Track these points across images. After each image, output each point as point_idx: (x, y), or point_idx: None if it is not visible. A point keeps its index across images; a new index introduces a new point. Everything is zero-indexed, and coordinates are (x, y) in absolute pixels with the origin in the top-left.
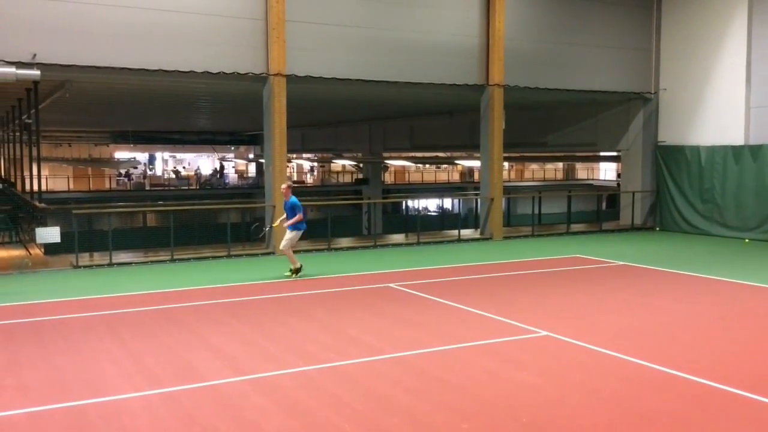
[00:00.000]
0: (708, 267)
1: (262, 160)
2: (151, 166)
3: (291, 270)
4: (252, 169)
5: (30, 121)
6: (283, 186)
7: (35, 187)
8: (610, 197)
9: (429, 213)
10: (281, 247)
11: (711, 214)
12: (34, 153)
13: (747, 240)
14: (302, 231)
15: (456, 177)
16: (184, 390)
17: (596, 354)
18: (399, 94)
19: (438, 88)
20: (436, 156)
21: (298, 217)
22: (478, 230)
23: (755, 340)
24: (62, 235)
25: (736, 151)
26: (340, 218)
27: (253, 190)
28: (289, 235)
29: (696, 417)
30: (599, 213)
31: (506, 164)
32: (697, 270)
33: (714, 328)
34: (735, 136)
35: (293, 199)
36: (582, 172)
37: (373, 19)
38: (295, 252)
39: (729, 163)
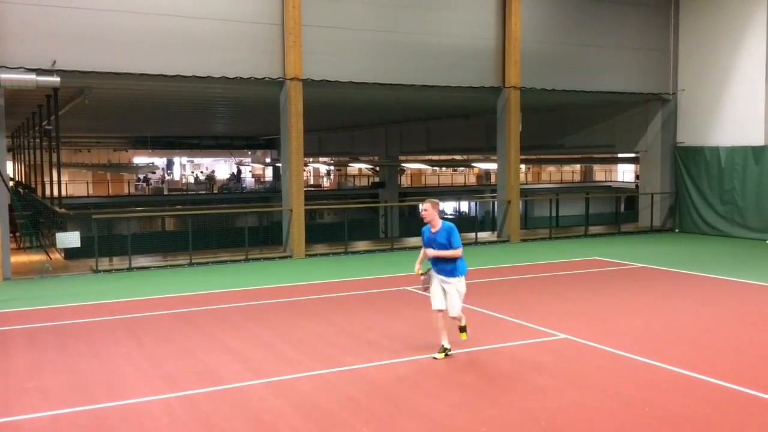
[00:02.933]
0: (728, 269)
1: (279, 164)
2: (169, 171)
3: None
4: (269, 173)
5: (50, 127)
6: (426, 205)
7: (55, 193)
8: (628, 199)
9: (446, 216)
10: (453, 313)
11: (731, 215)
12: (54, 159)
13: (767, 241)
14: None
15: (473, 180)
16: (203, 393)
17: (616, 357)
18: (415, 97)
19: (454, 91)
20: (453, 159)
21: (456, 252)
22: (496, 233)
23: None
24: (82, 239)
25: (756, 151)
26: (357, 221)
27: (270, 194)
28: (455, 290)
29: (717, 420)
30: (618, 215)
31: (523, 166)
32: (718, 272)
33: (735, 331)
34: (755, 137)
35: (446, 224)
36: (600, 173)
37: (388, 22)
38: (311, 255)
39: (749, 164)
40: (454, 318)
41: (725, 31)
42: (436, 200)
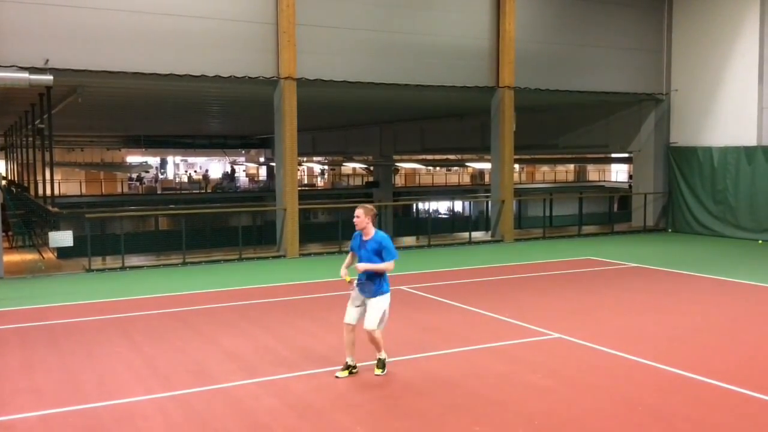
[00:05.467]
0: (721, 268)
1: (273, 164)
2: (162, 170)
3: (380, 362)
4: (263, 172)
5: (43, 126)
6: (359, 211)
7: (48, 192)
8: (621, 199)
9: (440, 215)
10: (368, 326)
11: (724, 215)
12: (47, 158)
13: (761, 241)
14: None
15: (467, 179)
16: (197, 392)
17: (609, 356)
18: (409, 97)
19: (448, 91)
20: (447, 158)
21: (388, 265)
22: (489, 233)
23: None
24: (75, 239)
25: (749, 152)
26: (351, 221)
27: (264, 193)
28: (376, 304)
29: (711, 419)
30: (611, 215)
31: (517, 166)
32: (711, 272)
33: (728, 330)
34: (748, 137)
35: (379, 233)
36: (593, 173)
37: (383, 22)
38: (305, 255)
39: (742, 164)
40: (367, 332)
41: (718, 31)
42: (371, 207)
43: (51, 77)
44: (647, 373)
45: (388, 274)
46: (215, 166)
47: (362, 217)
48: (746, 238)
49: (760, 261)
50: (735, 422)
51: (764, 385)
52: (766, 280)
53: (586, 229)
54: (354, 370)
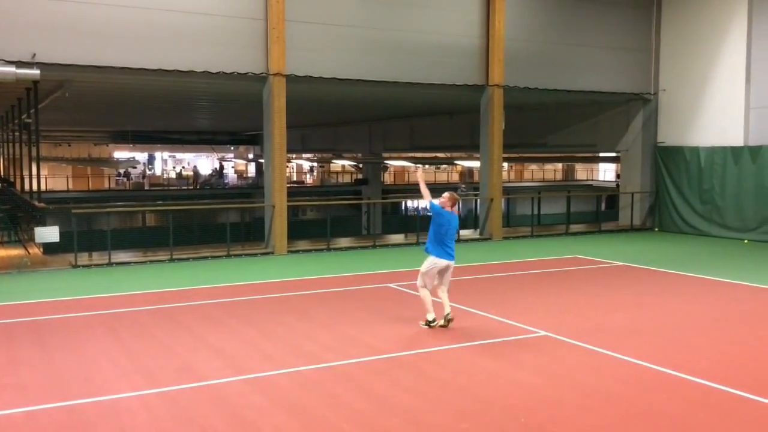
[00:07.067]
0: (707, 268)
1: (262, 160)
2: (150, 166)
3: (426, 321)
4: (252, 169)
5: (30, 120)
6: (446, 195)
7: (35, 187)
8: (609, 198)
9: (428, 213)
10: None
11: (710, 214)
12: (34, 153)
13: (746, 241)
14: (440, 261)
15: (456, 177)
16: (183, 389)
17: (595, 354)
18: (399, 95)
19: (438, 89)
20: (436, 156)
21: (426, 191)
22: (478, 231)
23: (755, 341)
24: (61, 234)
25: (735, 152)
26: (340, 218)
27: (252, 190)
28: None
29: (695, 418)
30: (598, 214)
31: (506, 165)
32: (697, 271)
33: (714, 329)
34: (734, 137)
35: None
36: (581, 172)
37: (373, 19)
38: (293, 252)
39: (728, 164)
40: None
41: (707, 31)
42: (457, 197)
43: (38, 72)
44: (632, 371)
45: (434, 244)
46: (203, 162)
47: (445, 201)
48: (732, 238)
49: (745, 260)
50: (718, 420)
51: (747, 384)
52: (750, 279)
53: (574, 227)
54: (440, 322)
